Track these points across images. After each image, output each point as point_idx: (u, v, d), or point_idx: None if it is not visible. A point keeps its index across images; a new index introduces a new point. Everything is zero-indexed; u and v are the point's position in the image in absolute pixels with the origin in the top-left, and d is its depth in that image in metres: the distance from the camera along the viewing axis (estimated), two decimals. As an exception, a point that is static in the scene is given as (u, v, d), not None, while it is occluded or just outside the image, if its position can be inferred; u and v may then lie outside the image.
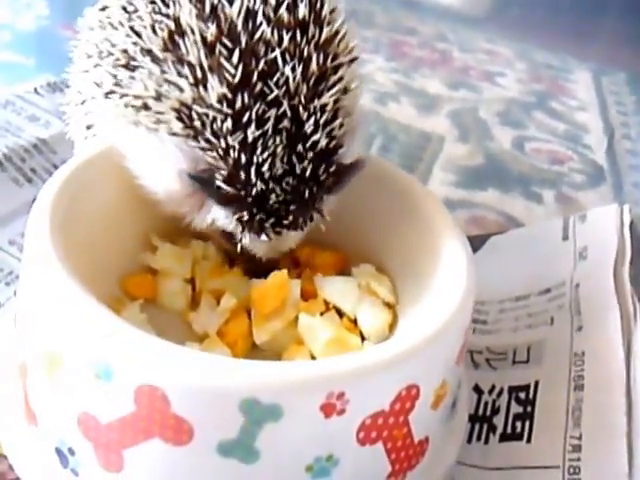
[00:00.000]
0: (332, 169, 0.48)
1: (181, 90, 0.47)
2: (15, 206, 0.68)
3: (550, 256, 0.67)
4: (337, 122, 0.49)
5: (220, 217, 0.49)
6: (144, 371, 0.38)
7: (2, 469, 0.49)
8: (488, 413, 0.57)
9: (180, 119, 0.47)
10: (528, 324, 0.63)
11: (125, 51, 0.50)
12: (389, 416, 0.42)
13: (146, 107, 0.49)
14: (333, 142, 0.48)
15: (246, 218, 0.47)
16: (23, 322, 0.46)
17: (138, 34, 0.49)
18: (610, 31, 1.42)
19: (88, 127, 0.59)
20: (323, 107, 0.48)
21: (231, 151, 0.46)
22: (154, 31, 0.48)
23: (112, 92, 0.51)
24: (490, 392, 0.58)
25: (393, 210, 0.57)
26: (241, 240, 0.49)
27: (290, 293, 0.54)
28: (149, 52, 0.48)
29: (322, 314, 0.54)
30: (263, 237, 0.48)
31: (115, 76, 0.51)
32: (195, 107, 0.46)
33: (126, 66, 0.50)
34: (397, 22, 1.38)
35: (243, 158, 0.46)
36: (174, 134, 0.48)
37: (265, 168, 0.46)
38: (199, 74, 0.46)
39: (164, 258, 0.57)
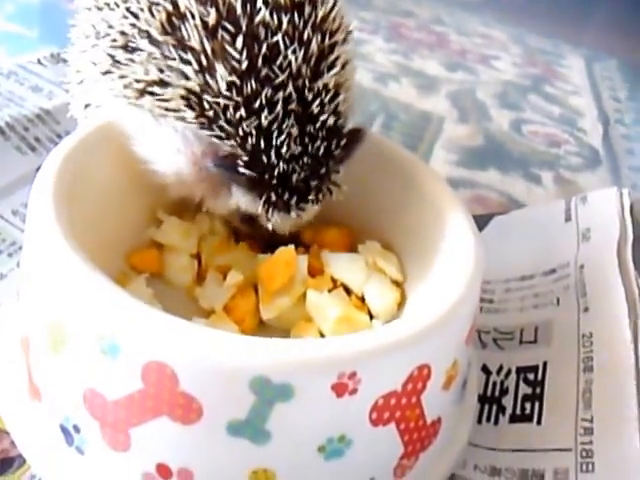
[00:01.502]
0: (342, 143, 0.46)
1: (186, 77, 0.44)
2: (18, 175, 0.64)
3: (554, 237, 0.64)
4: (340, 98, 0.47)
5: (245, 201, 0.47)
6: (152, 347, 0.35)
7: (4, 446, 0.45)
8: (497, 394, 0.54)
9: (190, 107, 0.44)
10: (534, 304, 0.60)
11: (123, 33, 0.47)
12: (401, 396, 0.39)
13: (150, 93, 0.46)
14: (340, 119, 0.47)
15: (273, 199, 0.45)
16: (26, 295, 0.43)
17: (135, 15, 0.46)
18: (602, 18, 1.39)
19: (87, 106, 0.55)
20: (326, 86, 0.46)
21: (249, 138, 0.44)
22: (151, 13, 0.45)
23: (109, 72, 0.48)
24: (498, 372, 0.56)
25: (397, 188, 0.54)
26: (268, 220, 0.47)
27: (298, 269, 0.51)
28: (147, 34, 0.45)
29: (330, 291, 0.51)
30: (292, 214, 0.46)
31: (113, 57, 0.47)
32: (205, 96, 0.44)
33: (124, 47, 0.47)
34: (394, 5, 1.34)
35: (262, 143, 0.44)
36: (186, 122, 0.45)
37: (284, 150, 0.44)
38: (204, 61, 0.43)
39: (170, 232, 0.53)
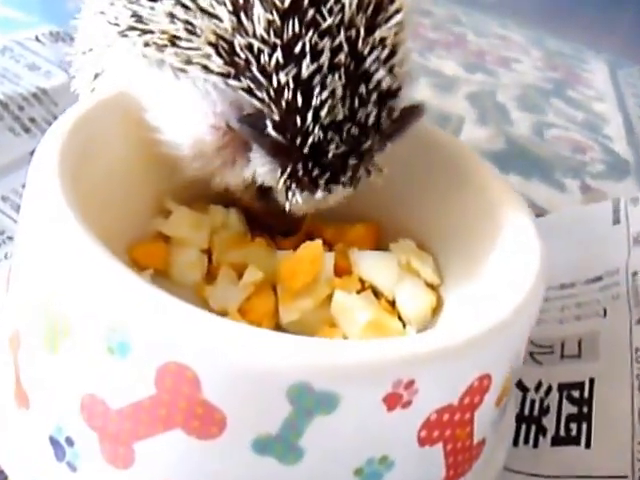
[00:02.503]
0: (395, 114, 0.41)
1: (218, 19, 0.39)
2: (10, 158, 0.59)
3: (599, 241, 0.60)
4: (397, 58, 0.41)
5: (264, 172, 0.41)
6: (172, 345, 0.30)
7: (-16, 460, 0.40)
8: (536, 413, 0.50)
9: (219, 54, 0.39)
10: (576, 315, 0.56)
11: None
12: (456, 412, 0.35)
13: (173, 44, 0.41)
14: (396, 82, 0.41)
15: (300, 173, 0.40)
16: (20, 284, 0.38)
17: None
18: (625, 24, 1.37)
19: (96, 76, 0.50)
20: (383, 40, 0.40)
21: (285, 90, 0.38)
22: None
23: (131, 28, 0.43)
24: (537, 389, 0.51)
25: (437, 179, 0.50)
26: (287, 198, 0.41)
27: (323, 267, 0.46)
28: None
29: (358, 293, 0.47)
30: (318, 195, 0.41)
31: (135, 12, 0.43)
32: (237, 38, 0.39)
33: None
34: (410, 3, 1.30)
35: (299, 98, 0.38)
36: (211, 72, 0.40)
37: (324, 112, 0.38)
38: None
39: (178, 224, 0.48)
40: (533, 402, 0.51)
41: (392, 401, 0.32)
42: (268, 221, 0.49)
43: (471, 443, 0.38)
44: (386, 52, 0.40)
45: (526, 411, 0.50)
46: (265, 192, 0.44)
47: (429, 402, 0.33)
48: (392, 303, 0.48)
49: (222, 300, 0.45)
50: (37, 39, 0.74)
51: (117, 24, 0.44)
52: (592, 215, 0.64)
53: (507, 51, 1.17)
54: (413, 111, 0.43)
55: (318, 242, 0.46)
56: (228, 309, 0.45)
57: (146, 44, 0.43)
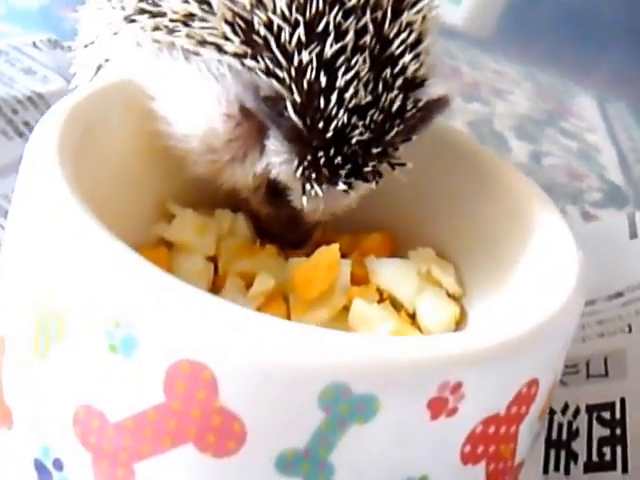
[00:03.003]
0: (420, 104, 0.37)
1: None
2: (3, 162, 0.54)
3: (617, 256, 0.56)
4: (424, 45, 0.38)
5: (279, 161, 0.37)
6: (186, 338, 0.25)
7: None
8: (564, 437, 0.45)
9: (235, 33, 0.35)
10: (599, 332, 0.51)
11: None
12: (502, 423, 0.30)
13: (186, 24, 0.37)
14: (422, 70, 0.38)
15: (321, 161, 0.35)
16: (5, 282, 0.32)
17: None
18: (609, 62, 1.37)
19: (99, 68, 0.46)
20: (410, 25, 0.37)
21: (307, 70, 0.34)
22: None
23: (140, 12, 0.39)
24: (564, 412, 0.46)
25: (456, 181, 0.45)
26: (304, 192, 0.37)
27: (340, 275, 0.41)
28: None
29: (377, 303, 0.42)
30: (340, 187, 0.36)
31: None
32: (256, 15, 0.35)
33: None
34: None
35: (322, 79, 0.34)
36: (226, 53, 0.36)
37: (348, 94, 0.34)
38: None
39: (182, 229, 0.43)
40: (561, 425, 0.46)
41: (437, 407, 0.27)
42: (277, 230, 0.44)
43: (512, 464, 0.33)
44: (412, 38, 0.37)
45: (554, 435, 0.45)
46: (277, 193, 0.40)
47: (476, 410, 0.28)
48: (412, 315, 0.43)
49: None
50: (34, 45, 0.69)
51: (123, 8, 0.40)
52: (608, 230, 0.60)
53: (500, 83, 1.15)
54: (438, 102, 0.39)
55: (335, 246, 0.41)
56: (237, 320, 0.40)
57: (156, 27, 0.39)
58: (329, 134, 0.35)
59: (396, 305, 0.43)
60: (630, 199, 0.93)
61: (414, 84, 0.37)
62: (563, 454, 0.45)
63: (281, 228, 0.43)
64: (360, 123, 0.35)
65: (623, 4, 1.32)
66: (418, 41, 0.37)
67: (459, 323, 0.43)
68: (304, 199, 0.37)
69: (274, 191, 0.40)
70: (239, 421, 0.25)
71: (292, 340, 0.25)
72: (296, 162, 0.36)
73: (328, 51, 0.34)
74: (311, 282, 0.40)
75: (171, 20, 0.37)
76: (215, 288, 0.43)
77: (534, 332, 0.30)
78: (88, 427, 0.28)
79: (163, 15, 0.38)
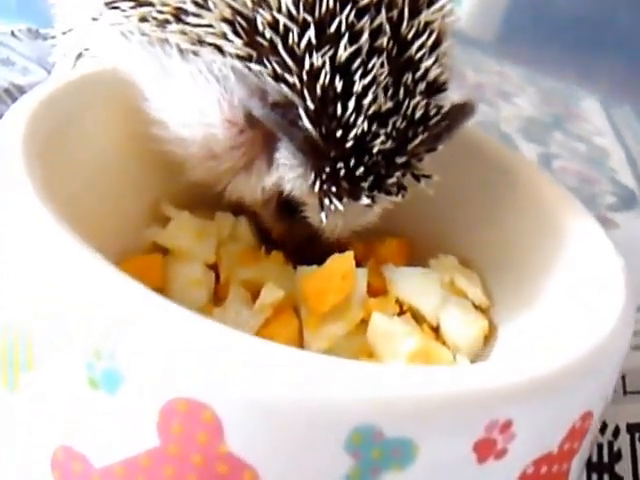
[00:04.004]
0: (444, 110, 0.33)
1: None
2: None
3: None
4: (444, 47, 0.34)
5: (293, 176, 0.32)
6: (181, 374, 0.20)
7: None
8: (606, 459, 0.40)
9: (236, 33, 0.31)
10: (635, 345, 0.46)
11: None
12: (555, 462, 0.25)
13: (179, 19, 0.33)
14: (444, 74, 0.33)
15: (341, 173, 0.31)
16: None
17: None
18: (611, 67, 1.33)
19: (79, 56, 0.41)
20: (428, 25, 0.33)
21: (320, 74, 0.30)
22: None
23: None
24: (603, 431, 0.41)
25: (479, 184, 0.41)
26: (323, 208, 0.32)
27: (356, 285, 0.36)
28: None
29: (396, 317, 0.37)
30: (363, 200, 0.32)
31: None
32: (260, 14, 0.30)
33: None
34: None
35: (338, 83, 0.30)
36: (227, 55, 0.31)
37: (367, 100, 0.30)
38: None
39: (178, 234, 0.38)
40: (601, 447, 0.41)
41: (484, 449, 0.22)
42: (292, 246, 0.39)
43: (561, 503, 0.28)
44: (432, 39, 0.33)
45: (594, 457, 0.40)
46: (290, 208, 0.35)
47: (527, 450, 0.23)
48: (435, 329, 0.38)
49: (234, 325, 0.34)
50: (13, 34, 0.64)
51: None
52: (633, 235, 0.54)
53: (505, 86, 1.11)
54: (464, 109, 0.35)
55: (349, 254, 0.36)
56: (242, 336, 0.34)
57: (143, 19, 0.34)
58: (349, 143, 0.30)
59: (417, 318, 0.38)
60: (641, 203, 0.88)
61: (436, 89, 0.33)
62: (607, 478, 0.39)
63: (296, 244, 0.39)
64: (382, 131, 0.31)
65: (625, 9, 1.29)
66: (437, 42, 0.33)
67: (488, 338, 0.38)
68: (322, 215, 0.32)
69: (287, 206, 0.35)
70: (251, 470, 0.20)
71: (311, 374, 0.20)
72: (312, 176, 0.31)
73: (342, 54, 0.30)
74: (324, 293, 0.35)
75: (160, 12, 0.33)
76: (217, 299, 0.38)
77: (590, 358, 0.25)
78: (69, 472, 0.23)
79: (150, 5, 0.33)
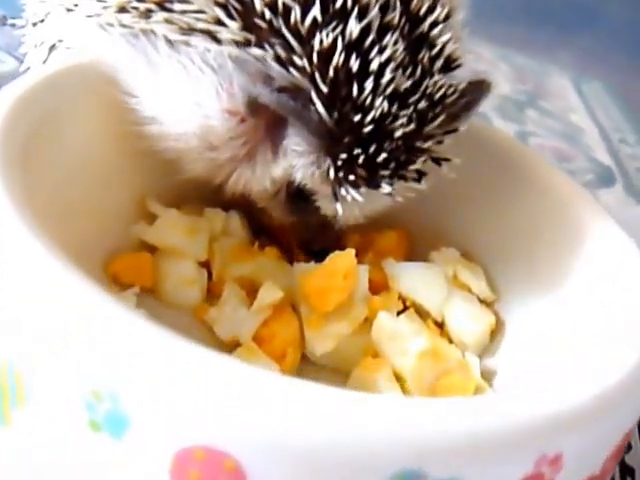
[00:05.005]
0: (461, 87, 0.30)
1: None
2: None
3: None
4: (455, 21, 0.31)
5: (304, 165, 0.29)
6: (198, 419, 0.16)
7: None
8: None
9: (230, 16, 0.27)
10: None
11: None
12: (595, 483, 0.22)
13: (163, 7, 0.29)
14: (459, 50, 0.30)
15: (360, 159, 0.27)
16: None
17: None
18: (580, 42, 1.32)
19: (52, 48, 0.36)
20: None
21: (332, 53, 0.26)
22: None
23: None
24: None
25: (481, 172, 0.38)
26: (338, 199, 0.29)
27: (360, 283, 0.33)
28: None
29: (399, 314, 0.34)
30: (384, 189, 0.28)
31: None
32: None
33: None
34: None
35: (353, 61, 0.26)
36: (222, 42, 0.28)
37: (385, 79, 0.27)
38: None
39: (168, 231, 0.35)
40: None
41: (532, 484, 0.19)
42: (303, 237, 0.36)
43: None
44: (444, 13, 0.30)
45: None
46: (301, 199, 0.32)
47: (573, 478, 0.21)
48: (440, 325, 0.35)
49: (231, 326, 0.32)
50: None
51: None
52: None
53: (478, 64, 1.08)
54: (480, 85, 0.32)
55: (350, 252, 0.33)
56: (240, 338, 0.32)
57: (122, 9, 0.30)
58: (367, 128, 0.27)
59: (421, 314, 0.35)
60: (618, 178, 0.87)
61: (453, 66, 0.30)
62: (617, 469, 0.37)
63: (306, 234, 0.35)
64: (402, 113, 0.28)
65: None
66: (449, 16, 0.30)
67: (494, 333, 0.35)
68: (338, 205, 0.29)
69: (298, 196, 0.31)
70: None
71: (345, 414, 0.17)
72: (327, 163, 0.28)
73: (353, 29, 0.27)
74: (327, 292, 0.32)
75: (140, 1, 0.29)
76: (210, 297, 0.35)
77: (632, 376, 0.22)
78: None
79: None
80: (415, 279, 0.35)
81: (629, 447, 0.38)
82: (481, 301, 0.36)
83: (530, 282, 0.34)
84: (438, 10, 0.29)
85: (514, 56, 1.19)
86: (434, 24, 0.29)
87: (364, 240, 0.38)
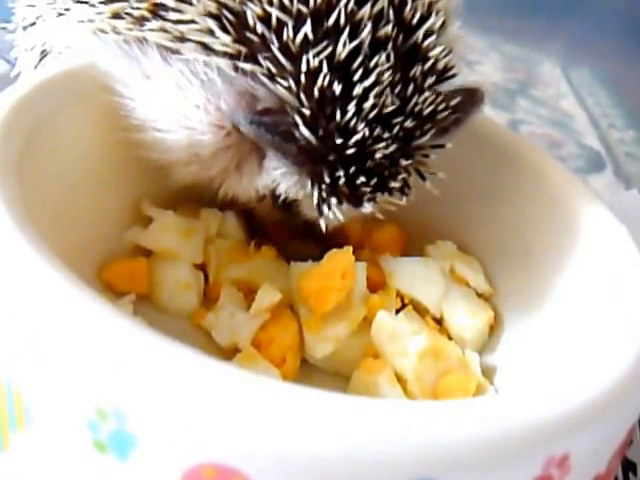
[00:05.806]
0: (453, 102, 0.29)
1: None
2: None
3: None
4: (450, 30, 0.30)
5: (287, 184, 0.29)
6: (207, 435, 0.16)
7: None
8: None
9: (223, 29, 0.27)
10: None
11: None
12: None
13: (156, 15, 0.28)
14: (452, 60, 0.30)
15: (341, 181, 0.28)
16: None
17: None
18: (567, 29, 1.32)
19: (43, 54, 0.36)
20: (432, 5, 0.29)
21: (317, 74, 0.26)
22: None
23: None
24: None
25: (477, 166, 0.37)
26: (322, 212, 0.29)
27: (357, 282, 0.33)
28: None
29: (397, 312, 0.34)
30: (365, 207, 0.29)
31: None
32: (249, 7, 0.26)
33: None
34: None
35: (336, 85, 0.26)
36: (214, 54, 0.27)
37: (369, 103, 0.27)
38: None
39: (162, 234, 0.34)
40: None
41: (541, 486, 0.19)
42: (288, 237, 0.36)
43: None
44: (439, 22, 0.29)
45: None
46: (286, 205, 0.32)
47: (580, 478, 0.20)
48: (438, 321, 0.35)
49: (229, 331, 0.32)
50: None
51: None
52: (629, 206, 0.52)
53: (469, 54, 1.08)
54: (472, 97, 0.31)
55: (348, 250, 0.32)
56: (239, 343, 0.31)
57: (116, 15, 0.29)
58: (349, 150, 0.27)
59: (419, 310, 0.35)
60: (607, 164, 0.88)
61: (444, 77, 0.29)
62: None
63: (292, 236, 0.35)
64: (385, 135, 0.27)
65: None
66: (444, 25, 0.29)
67: (493, 328, 0.35)
68: (321, 221, 0.29)
69: (282, 203, 0.31)
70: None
71: (356, 428, 0.16)
72: (309, 182, 0.28)
73: (341, 51, 0.26)
74: (325, 293, 0.32)
75: (135, 8, 0.28)
76: (207, 301, 0.34)
77: (634, 369, 0.22)
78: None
79: (124, 0, 0.29)
80: (413, 276, 0.35)
81: (630, 442, 0.38)
82: (479, 295, 0.36)
83: (526, 274, 0.34)
84: (432, 18, 0.28)
85: (504, 45, 1.19)
86: (428, 34, 0.28)
87: (360, 235, 0.38)
